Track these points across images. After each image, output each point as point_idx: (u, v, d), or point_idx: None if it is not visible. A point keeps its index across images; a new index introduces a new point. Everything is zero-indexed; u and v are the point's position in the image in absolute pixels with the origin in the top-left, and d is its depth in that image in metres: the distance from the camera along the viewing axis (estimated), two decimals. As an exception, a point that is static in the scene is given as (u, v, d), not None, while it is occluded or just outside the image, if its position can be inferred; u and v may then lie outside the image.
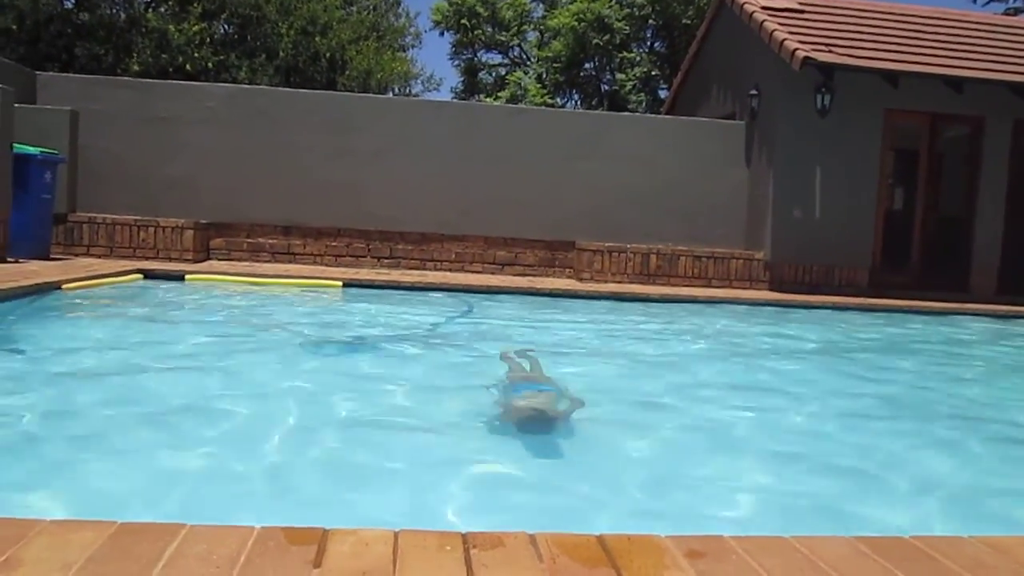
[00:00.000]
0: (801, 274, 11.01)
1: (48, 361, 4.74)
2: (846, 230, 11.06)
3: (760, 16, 11.40)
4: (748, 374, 5.83)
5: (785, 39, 10.56)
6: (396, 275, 10.03)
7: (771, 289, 10.85)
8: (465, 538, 1.83)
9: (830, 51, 10.55)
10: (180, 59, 18.00)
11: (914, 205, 11.85)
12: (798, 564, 1.78)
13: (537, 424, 3.57)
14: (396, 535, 1.83)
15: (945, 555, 1.87)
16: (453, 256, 11.11)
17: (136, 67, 17.61)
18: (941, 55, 11.17)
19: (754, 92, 11.41)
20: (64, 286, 7.12)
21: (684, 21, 24.69)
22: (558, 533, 1.90)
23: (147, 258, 9.86)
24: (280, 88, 14.38)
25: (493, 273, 11.04)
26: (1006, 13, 26.13)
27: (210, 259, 10.60)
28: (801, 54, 10.13)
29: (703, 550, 1.82)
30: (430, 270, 10.93)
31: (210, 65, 18.34)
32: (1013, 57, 11.50)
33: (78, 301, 6.95)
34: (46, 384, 4.14)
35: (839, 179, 11.00)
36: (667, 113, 15.58)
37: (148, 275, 8.79)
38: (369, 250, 10.99)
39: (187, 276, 8.86)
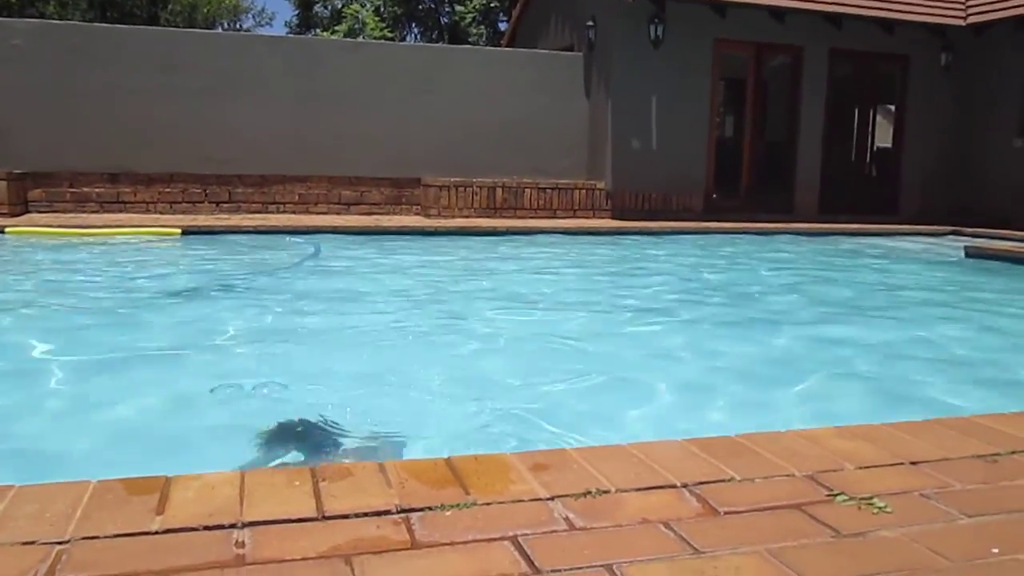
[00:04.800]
0: (641, 202, 11.41)
1: None
2: (681, 158, 11.51)
3: (594, -53, 11.49)
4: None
5: (618, -30, 10.71)
6: (237, 220, 9.67)
7: (613, 217, 11.19)
8: (314, 472, 1.83)
9: (661, -18, 10.79)
10: (-24, -8, 16.34)
11: (743, 132, 12.47)
12: (634, 467, 1.89)
13: None
14: (243, 476, 1.81)
15: (765, 448, 2.04)
16: (296, 198, 10.79)
17: (-77, 1, 15.87)
18: (764, -14, 11.65)
19: (591, 23, 11.56)
20: None
21: (521, -48, 24.52)
22: (407, 460, 1.94)
23: (-45, 213, 9.04)
24: (97, 24, 13.31)
25: (339, 213, 10.82)
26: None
27: (29, 212, 9.83)
28: (634, -15, 10.32)
29: (547, 463, 1.91)
30: (273, 213, 10.58)
31: (12, -1, 16.75)
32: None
33: None
34: None
35: (674, 108, 11.39)
36: (507, 46, 15.55)
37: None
38: (206, 195, 10.50)
39: (7, 229, 8.21)
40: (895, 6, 11.89)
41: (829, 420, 2.46)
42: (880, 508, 1.71)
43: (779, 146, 12.51)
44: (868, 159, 13.72)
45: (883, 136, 13.79)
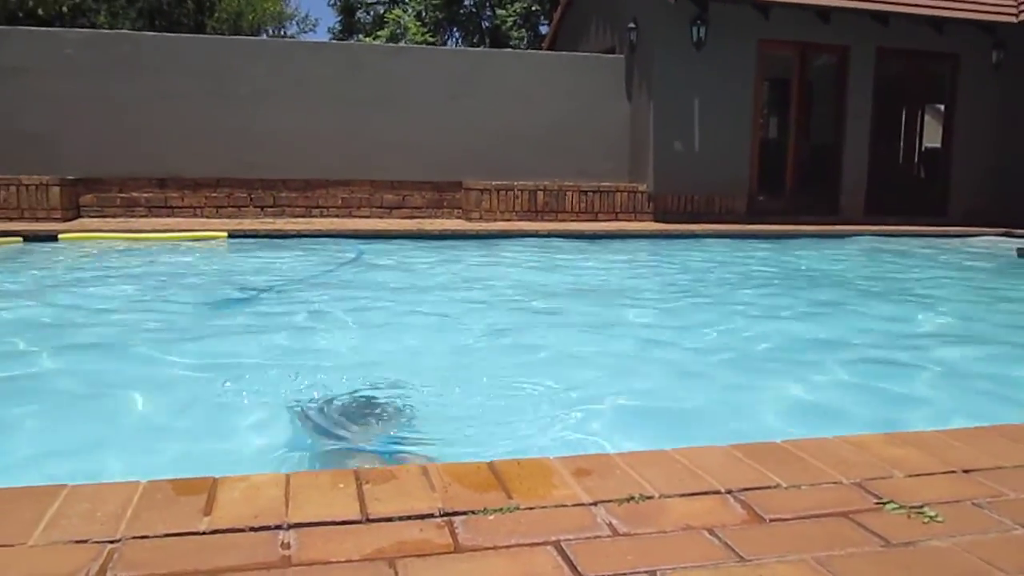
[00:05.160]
0: (683, 204, 11.32)
1: None
2: (724, 160, 11.40)
3: (635, -52, 11.44)
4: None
5: (660, -29, 10.65)
6: (281, 223, 9.80)
7: (655, 220, 11.12)
8: (358, 474, 1.84)
9: (704, -17, 10.71)
10: (30, 3, 16.75)
11: (787, 133, 12.32)
12: (678, 473, 1.87)
13: None
14: (288, 477, 1.83)
15: (811, 454, 2.01)
16: (339, 201, 10.90)
17: (-20, 13, 16.31)
18: (808, -15, 11.50)
19: (632, 26, 11.51)
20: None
21: (562, -45, 24.51)
22: (450, 463, 1.94)
23: (10, 219, 9.27)
24: (145, 32, 13.59)
25: (381, 217, 10.91)
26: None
27: (81, 217, 10.06)
28: (676, -14, 10.26)
29: (589, 468, 1.90)
30: (316, 217, 10.70)
31: (64, 9, 17.16)
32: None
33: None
34: None
35: (716, 110, 11.28)
36: (548, 49, 15.55)
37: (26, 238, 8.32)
38: (251, 199, 10.66)
39: (60, 235, 8.41)
40: (945, 4, 11.65)
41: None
42: (931, 517, 1.68)
43: (824, 147, 12.34)
44: (916, 160, 13.47)
45: (932, 136, 13.53)
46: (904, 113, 13.13)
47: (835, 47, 11.93)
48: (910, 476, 1.90)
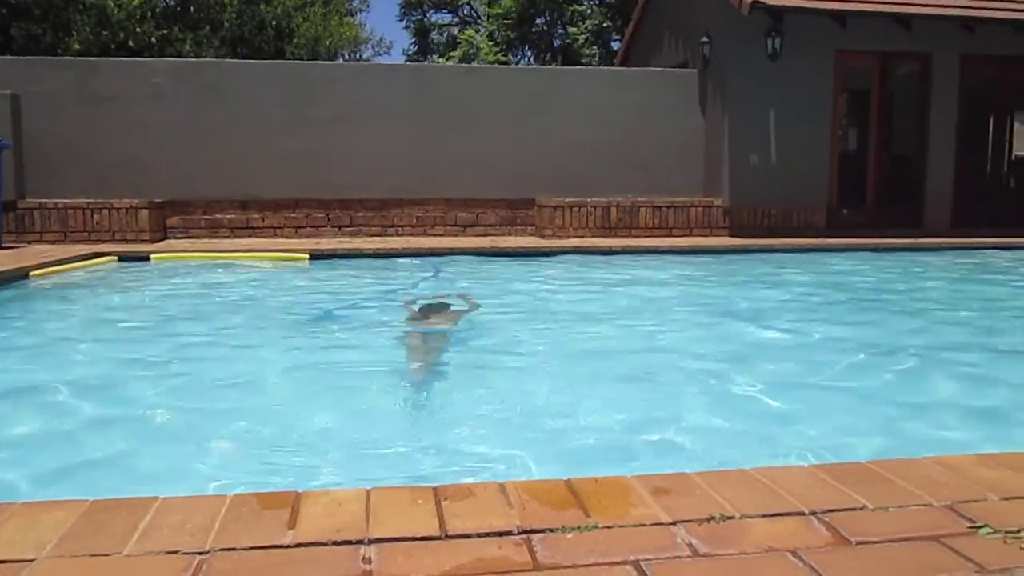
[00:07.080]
0: (760, 218, 11.12)
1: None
2: (802, 172, 11.17)
3: (707, -38, 11.35)
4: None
5: (733, -16, 10.53)
6: (359, 243, 9.98)
7: (731, 235, 10.95)
8: (436, 491, 1.86)
9: (778, -6, 10.55)
10: (121, 35, 17.51)
11: (867, 144, 12.00)
12: (759, 493, 1.84)
13: None
14: (368, 493, 1.86)
15: (900, 476, 1.94)
16: (414, 220, 11.05)
17: (76, 45, 17.11)
18: (888, -7, 11.22)
19: (705, 39, 11.41)
20: (31, 272, 7.16)
21: (633, -29, 24.49)
22: (527, 480, 1.94)
23: (103, 241, 9.68)
24: (227, 60, 14.08)
25: (455, 235, 11.01)
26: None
27: (167, 238, 10.44)
28: (749, -2, 10.13)
29: (668, 487, 1.88)
30: (392, 236, 10.87)
31: (153, 40, 17.87)
32: (958, -9, 11.58)
33: (54, 287, 6.91)
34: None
35: (793, 122, 11.07)
36: (620, 65, 15.52)
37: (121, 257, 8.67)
38: (329, 219, 10.89)
39: (152, 256, 8.72)
40: (1034, 7, 11.22)
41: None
42: (1029, 542, 1.61)
43: (907, 158, 11.97)
44: (1006, 169, 12.96)
45: (1022, 145, 13.00)
46: (992, 121, 12.66)
47: (917, 55, 11.59)
48: (1006, 499, 1.82)
